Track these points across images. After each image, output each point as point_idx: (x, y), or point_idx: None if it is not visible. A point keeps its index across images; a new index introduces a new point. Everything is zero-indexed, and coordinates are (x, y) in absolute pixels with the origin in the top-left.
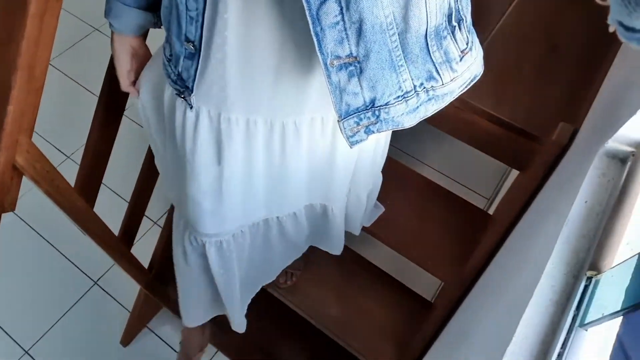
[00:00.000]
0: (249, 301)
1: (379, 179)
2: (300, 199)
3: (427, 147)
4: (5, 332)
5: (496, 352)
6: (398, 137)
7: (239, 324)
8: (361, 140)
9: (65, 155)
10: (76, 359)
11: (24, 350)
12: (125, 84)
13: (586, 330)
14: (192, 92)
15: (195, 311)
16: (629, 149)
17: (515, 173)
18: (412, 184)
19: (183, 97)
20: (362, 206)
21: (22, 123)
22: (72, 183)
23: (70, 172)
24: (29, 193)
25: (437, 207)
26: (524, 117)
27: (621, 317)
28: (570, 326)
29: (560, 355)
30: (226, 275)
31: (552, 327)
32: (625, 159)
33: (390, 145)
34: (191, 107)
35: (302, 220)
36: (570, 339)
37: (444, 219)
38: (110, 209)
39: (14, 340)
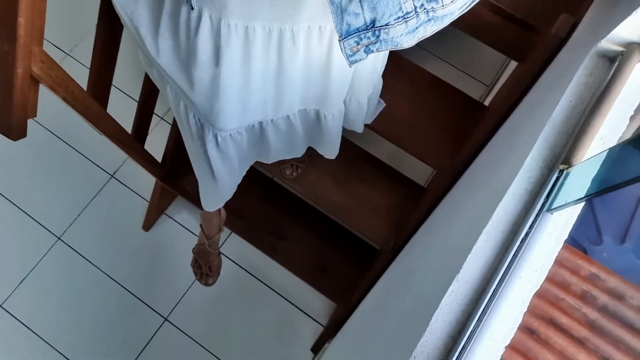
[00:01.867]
0: (236, 188)
1: (379, 83)
2: (294, 103)
3: (434, 39)
4: (38, 222)
5: (475, 231)
6: None
7: (212, 206)
8: (360, 59)
9: (64, 52)
10: (104, 243)
11: (57, 236)
12: None
13: (551, 214)
14: None
15: (212, 197)
16: (620, 48)
17: (514, 64)
18: (411, 77)
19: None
20: (364, 110)
21: (33, 32)
22: (82, 84)
23: (71, 70)
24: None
25: (435, 100)
26: (527, 7)
27: (583, 203)
28: (539, 211)
29: (527, 234)
30: (223, 167)
31: (524, 212)
32: (614, 59)
33: None
34: (192, 8)
35: (297, 123)
36: (537, 222)
37: (442, 111)
38: (122, 108)
39: (46, 229)
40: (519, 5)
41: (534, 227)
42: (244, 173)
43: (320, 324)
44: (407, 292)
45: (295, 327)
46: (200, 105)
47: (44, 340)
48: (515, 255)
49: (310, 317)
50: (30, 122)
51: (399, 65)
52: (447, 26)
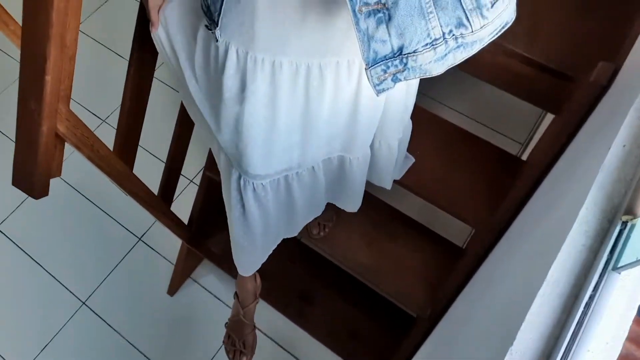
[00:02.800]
0: (270, 252)
1: (409, 126)
2: (319, 150)
3: (456, 92)
4: (64, 286)
5: (527, 296)
6: (426, 82)
7: (247, 269)
8: (388, 88)
9: (101, 119)
10: (128, 309)
11: (81, 301)
12: (154, 14)
13: (619, 274)
14: (217, 26)
15: (246, 258)
16: None
17: (550, 117)
18: (440, 132)
19: (211, 30)
20: (394, 156)
21: (60, 92)
22: (110, 146)
23: (106, 136)
24: (72, 157)
25: (467, 154)
26: (560, 58)
27: None
28: (603, 270)
29: (592, 297)
30: (260, 218)
31: (584, 271)
32: None
33: (423, 94)
34: (217, 41)
35: (320, 175)
36: (603, 282)
37: (475, 166)
38: (148, 169)
39: (72, 292)
40: (551, 56)
41: (599, 289)
42: (278, 240)
43: None
44: None
45: None
46: (227, 146)
47: None
48: (580, 323)
49: None
50: (59, 181)
51: (428, 119)
52: (475, 82)
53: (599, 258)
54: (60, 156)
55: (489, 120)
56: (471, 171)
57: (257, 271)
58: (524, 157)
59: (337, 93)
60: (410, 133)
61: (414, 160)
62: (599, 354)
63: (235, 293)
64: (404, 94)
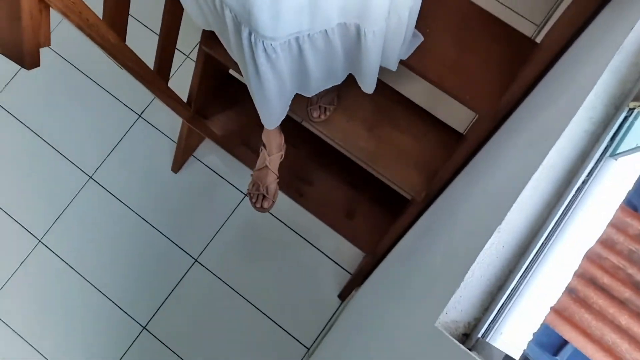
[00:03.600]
0: (288, 107)
1: None
2: (332, 12)
3: None
4: (70, 160)
5: (522, 180)
6: None
7: (268, 123)
8: None
9: None
10: (134, 183)
11: (88, 175)
12: None
13: (615, 160)
14: None
15: (268, 113)
16: None
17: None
18: (453, 8)
19: None
20: (403, 28)
21: None
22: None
23: (95, 4)
24: (68, 31)
25: (480, 35)
26: None
27: None
28: (600, 156)
29: (584, 182)
30: (274, 79)
31: (582, 157)
32: None
33: None
34: None
35: (335, 40)
36: (598, 168)
37: (487, 47)
38: (143, 43)
39: (79, 168)
40: None
41: (594, 175)
42: (292, 96)
43: (348, 272)
44: (439, 245)
45: (324, 274)
46: (233, 4)
47: (79, 273)
48: (568, 207)
49: (338, 264)
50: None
51: None
52: None
53: (599, 144)
54: (47, 23)
55: None
56: (482, 53)
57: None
58: (539, 40)
59: None
60: (420, 1)
61: (422, 38)
62: (583, 235)
63: (263, 144)
64: None
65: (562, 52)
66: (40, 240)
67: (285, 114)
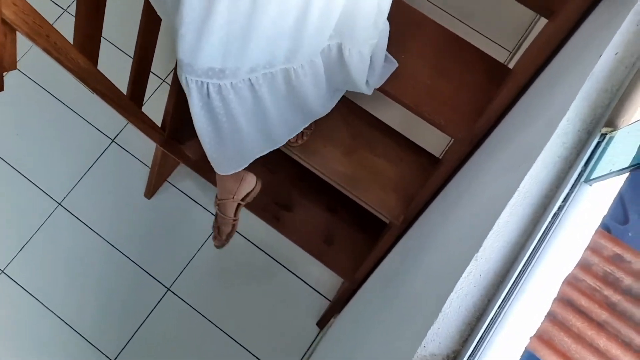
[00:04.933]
0: (261, 154)
1: (385, 29)
2: (259, 52)
3: None
4: (38, 187)
5: (498, 206)
6: None
7: (225, 168)
8: None
9: (62, 8)
10: (105, 210)
11: (57, 202)
12: None
13: (590, 185)
14: None
15: (214, 159)
16: None
17: (542, 24)
18: (428, 34)
19: None
20: (366, 64)
21: None
22: (70, 39)
23: (69, 26)
24: (37, 52)
25: (454, 61)
26: None
27: (627, 174)
28: (575, 181)
29: (560, 208)
30: (230, 121)
31: (557, 183)
32: None
33: None
34: None
35: (262, 91)
36: (573, 194)
37: (461, 73)
38: (117, 66)
39: (47, 194)
40: None
41: (569, 200)
42: (264, 145)
43: (327, 299)
44: (418, 271)
45: (301, 301)
46: (172, 25)
47: (45, 306)
48: (545, 233)
49: (316, 291)
50: (23, 78)
51: (414, 20)
52: None
53: (573, 170)
54: (12, 47)
55: (479, 24)
56: (456, 79)
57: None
58: (511, 65)
59: None
60: (387, 38)
61: (397, 64)
62: (561, 262)
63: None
64: None
65: (534, 77)
66: (2, 271)
67: (246, 164)
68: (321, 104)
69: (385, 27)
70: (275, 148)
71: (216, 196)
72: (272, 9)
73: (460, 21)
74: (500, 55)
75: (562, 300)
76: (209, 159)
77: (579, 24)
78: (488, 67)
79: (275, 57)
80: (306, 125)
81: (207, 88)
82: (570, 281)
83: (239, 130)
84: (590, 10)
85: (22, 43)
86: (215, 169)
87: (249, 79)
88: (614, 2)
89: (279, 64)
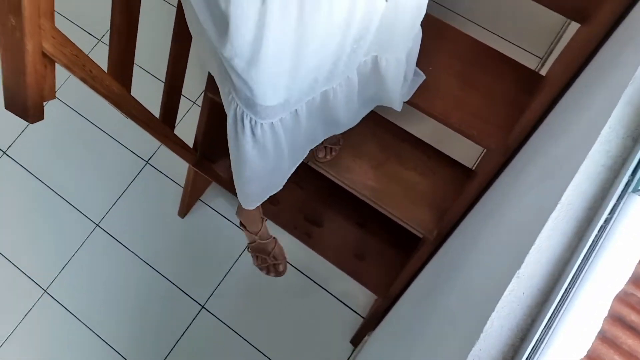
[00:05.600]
0: (269, 192)
1: (419, 33)
2: (305, 82)
3: (473, 3)
4: (77, 209)
5: (539, 219)
6: None
7: (251, 202)
8: None
9: (97, 38)
10: (141, 229)
11: (95, 223)
12: None
13: (639, 196)
14: None
15: (252, 194)
16: None
17: (574, 28)
18: (455, 45)
19: None
20: (402, 71)
21: (40, 5)
22: (105, 67)
23: (103, 56)
24: (72, 79)
25: (484, 70)
26: None
27: None
28: (622, 192)
29: (607, 221)
30: (261, 162)
31: (602, 194)
32: None
33: (432, 1)
34: None
35: (302, 118)
36: (621, 205)
37: (491, 82)
38: (148, 90)
39: (85, 215)
40: None
41: (616, 212)
42: (292, 168)
43: (360, 316)
44: (453, 289)
45: (334, 319)
46: (237, 77)
47: (85, 324)
48: (592, 247)
49: (349, 307)
50: (60, 105)
51: (441, 32)
52: None
53: (619, 179)
54: (52, 77)
55: (507, 32)
56: (486, 88)
57: None
58: (543, 72)
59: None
60: (420, 42)
61: (424, 77)
62: (610, 278)
63: (241, 222)
64: None
65: (569, 84)
66: (45, 290)
67: (275, 192)
68: (349, 117)
69: (419, 30)
70: (298, 164)
71: (249, 237)
72: (318, 35)
73: (487, 30)
74: (530, 63)
75: (612, 316)
76: (244, 196)
77: (614, 27)
78: (519, 76)
79: (318, 81)
80: (327, 137)
81: (262, 127)
82: (620, 296)
83: (281, 162)
84: (626, 12)
85: (60, 73)
86: (245, 205)
87: (295, 110)
88: None
89: (320, 87)
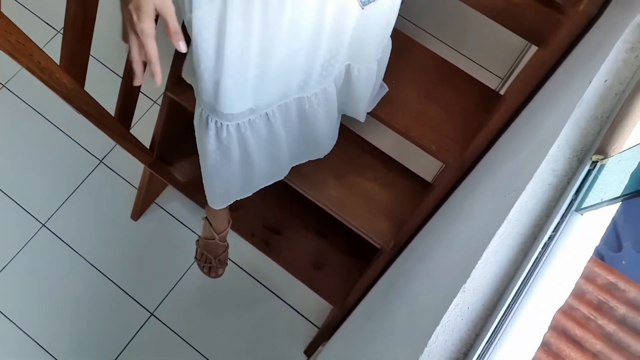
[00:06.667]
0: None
1: (389, 44)
2: (275, 89)
3: (440, 21)
4: (22, 207)
5: (487, 234)
6: (409, 9)
7: (218, 202)
8: (374, 0)
9: (55, 29)
10: (90, 231)
11: (41, 223)
12: None
13: (582, 215)
14: None
15: (215, 194)
16: None
17: (533, 51)
18: (419, 60)
19: None
20: (373, 80)
21: None
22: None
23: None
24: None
25: (445, 86)
26: None
27: (619, 203)
28: (566, 210)
29: (551, 238)
30: (242, 157)
31: (547, 211)
32: None
33: (399, 16)
34: None
35: (277, 124)
36: (564, 223)
37: (452, 98)
38: (105, 86)
39: (31, 214)
40: None
41: (560, 230)
42: (267, 181)
43: (315, 325)
44: (404, 302)
45: (289, 328)
46: (202, 83)
47: (22, 330)
48: (535, 264)
49: (304, 317)
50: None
51: (406, 46)
52: (460, 11)
53: (564, 198)
54: None
55: (471, 52)
56: (447, 104)
57: None
58: (503, 92)
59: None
60: (389, 53)
61: (387, 89)
62: (552, 294)
63: (206, 217)
64: (388, 7)
65: (525, 103)
66: None
67: (247, 195)
68: (329, 131)
69: (389, 41)
70: (279, 179)
71: (206, 233)
72: (281, 51)
73: (452, 48)
74: (492, 82)
75: (556, 329)
76: (210, 194)
77: (568, 51)
78: (479, 93)
79: (290, 89)
80: (312, 159)
81: (227, 128)
82: (565, 310)
83: (250, 165)
84: (580, 38)
85: (12, 63)
86: (211, 204)
87: (266, 113)
88: (602, 30)
89: (293, 94)
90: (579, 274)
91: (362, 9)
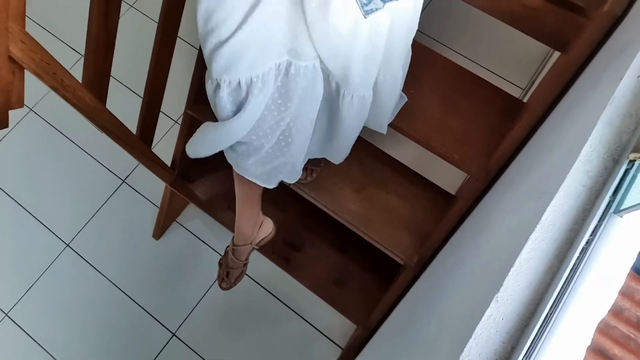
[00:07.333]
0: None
1: (409, 51)
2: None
3: (458, 33)
4: (47, 227)
5: (518, 241)
6: (426, 22)
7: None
8: (376, 9)
9: (80, 54)
10: (113, 251)
11: (65, 243)
12: None
13: (621, 217)
14: None
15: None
16: None
17: (555, 58)
18: (438, 70)
19: None
20: (398, 88)
21: (9, 8)
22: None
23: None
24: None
25: (466, 95)
26: None
27: None
28: (603, 212)
29: (589, 242)
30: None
31: (583, 214)
32: None
33: (417, 31)
34: None
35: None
36: (602, 226)
37: (474, 108)
38: (127, 106)
39: (55, 235)
40: None
41: (598, 233)
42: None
43: (339, 346)
44: (433, 317)
45: (311, 349)
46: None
47: (46, 350)
48: (574, 270)
49: (327, 337)
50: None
51: (426, 57)
52: (478, 22)
53: (600, 200)
54: (20, 85)
55: (490, 63)
56: (468, 113)
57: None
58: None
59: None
60: (409, 62)
61: (407, 99)
62: (593, 303)
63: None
64: (410, 12)
65: (550, 110)
66: (6, 314)
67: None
68: (350, 137)
69: (409, 50)
70: (292, 180)
71: (232, 241)
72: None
73: (470, 60)
74: (513, 93)
75: (594, 349)
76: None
77: (593, 55)
78: (501, 101)
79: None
80: (326, 157)
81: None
82: (602, 328)
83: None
84: (604, 41)
85: (40, 86)
86: (240, 171)
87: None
88: (630, 29)
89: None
90: (623, 279)
91: (365, 17)
